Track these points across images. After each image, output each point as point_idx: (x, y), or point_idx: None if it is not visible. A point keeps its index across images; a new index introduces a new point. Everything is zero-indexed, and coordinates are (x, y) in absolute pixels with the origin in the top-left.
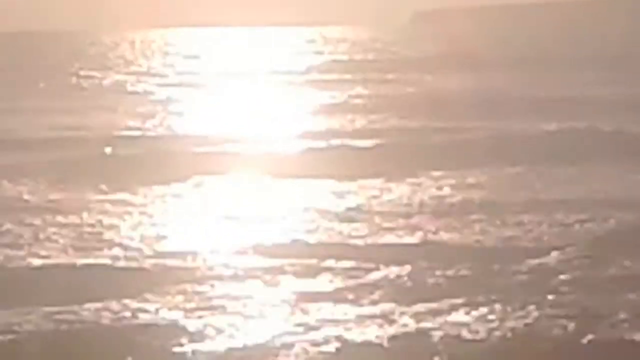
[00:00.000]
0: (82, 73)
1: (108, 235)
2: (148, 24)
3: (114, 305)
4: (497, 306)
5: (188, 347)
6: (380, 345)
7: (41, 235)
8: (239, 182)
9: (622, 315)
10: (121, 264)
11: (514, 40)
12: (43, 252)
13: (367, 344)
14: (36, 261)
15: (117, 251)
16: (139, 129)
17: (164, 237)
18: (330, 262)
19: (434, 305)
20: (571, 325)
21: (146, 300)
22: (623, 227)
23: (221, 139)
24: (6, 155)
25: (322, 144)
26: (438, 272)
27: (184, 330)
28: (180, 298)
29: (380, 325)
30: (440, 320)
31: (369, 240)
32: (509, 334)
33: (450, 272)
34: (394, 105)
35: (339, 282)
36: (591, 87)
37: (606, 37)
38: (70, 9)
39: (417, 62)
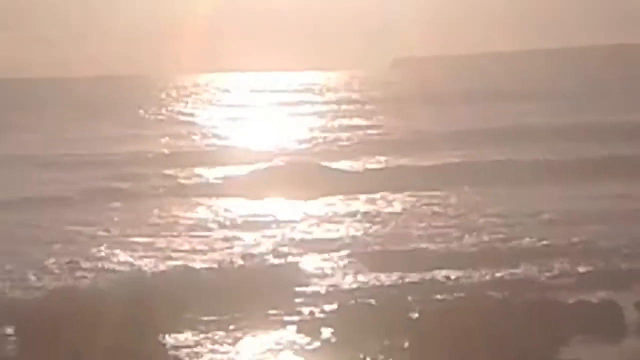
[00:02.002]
0: (147, 108)
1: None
2: (200, 69)
3: None
4: (461, 275)
5: None
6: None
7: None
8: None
9: (556, 282)
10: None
11: (471, 80)
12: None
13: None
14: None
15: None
16: (191, 147)
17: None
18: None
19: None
20: (508, 290)
21: None
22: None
23: (244, 156)
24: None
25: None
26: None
27: None
28: None
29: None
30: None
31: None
32: (462, 294)
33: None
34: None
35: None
36: (530, 116)
37: (548, 78)
38: (139, 55)
39: (396, 101)
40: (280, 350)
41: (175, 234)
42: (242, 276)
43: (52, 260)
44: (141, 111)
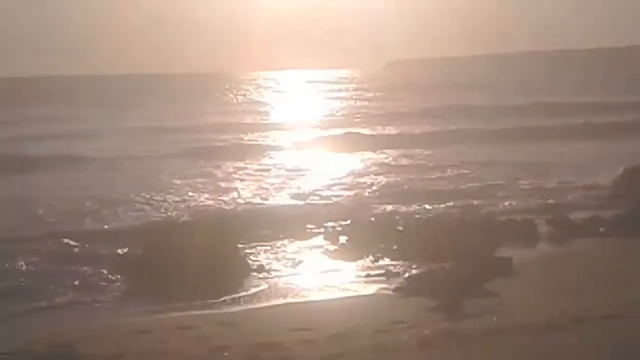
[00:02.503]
0: (225, 94)
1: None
2: (259, 68)
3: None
4: (434, 204)
5: None
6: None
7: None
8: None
9: (495, 208)
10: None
11: (439, 76)
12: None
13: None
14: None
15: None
16: (260, 125)
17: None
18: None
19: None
20: (463, 213)
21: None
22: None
23: (294, 125)
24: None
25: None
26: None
27: None
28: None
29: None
30: (407, 209)
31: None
32: (432, 215)
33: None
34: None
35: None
36: (477, 99)
37: (492, 74)
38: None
39: (388, 89)
40: (312, 249)
41: (246, 178)
42: (291, 208)
43: (161, 196)
44: (221, 97)
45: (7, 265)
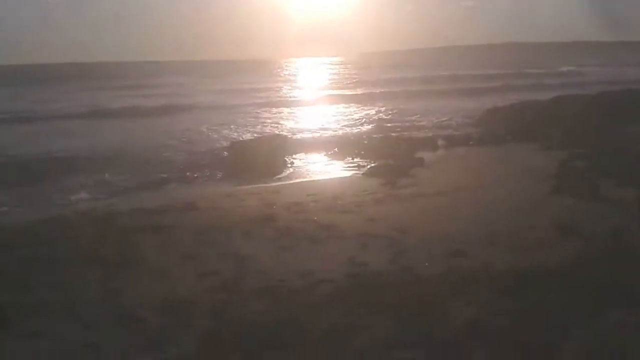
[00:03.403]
0: (274, 71)
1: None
2: (290, 56)
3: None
4: (386, 131)
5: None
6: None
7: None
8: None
9: (417, 133)
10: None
11: (394, 61)
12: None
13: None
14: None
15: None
16: (289, 89)
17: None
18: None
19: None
20: (397, 134)
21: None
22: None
23: (313, 88)
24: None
25: (355, 91)
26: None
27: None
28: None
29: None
30: (371, 131)
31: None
32: (381, 135)
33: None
34: (358, 83)
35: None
36: (418, 73)
37: (432, 58)
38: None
39: (361, 68)
40: (318, 154)
41: (285, 117)
42: (307, 133)
43: (242, 125)
44: (272, 72)
45: (158, 165)
